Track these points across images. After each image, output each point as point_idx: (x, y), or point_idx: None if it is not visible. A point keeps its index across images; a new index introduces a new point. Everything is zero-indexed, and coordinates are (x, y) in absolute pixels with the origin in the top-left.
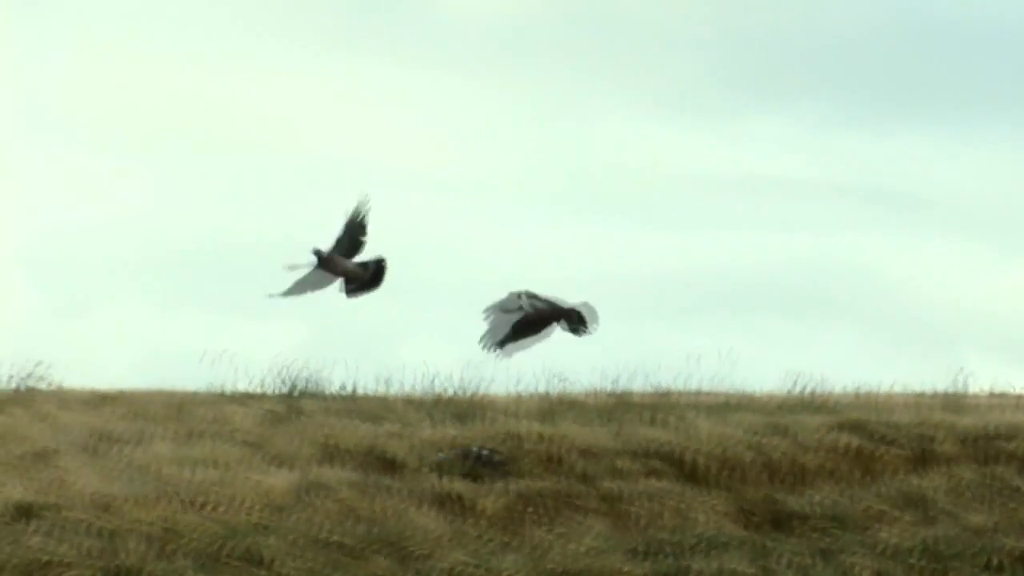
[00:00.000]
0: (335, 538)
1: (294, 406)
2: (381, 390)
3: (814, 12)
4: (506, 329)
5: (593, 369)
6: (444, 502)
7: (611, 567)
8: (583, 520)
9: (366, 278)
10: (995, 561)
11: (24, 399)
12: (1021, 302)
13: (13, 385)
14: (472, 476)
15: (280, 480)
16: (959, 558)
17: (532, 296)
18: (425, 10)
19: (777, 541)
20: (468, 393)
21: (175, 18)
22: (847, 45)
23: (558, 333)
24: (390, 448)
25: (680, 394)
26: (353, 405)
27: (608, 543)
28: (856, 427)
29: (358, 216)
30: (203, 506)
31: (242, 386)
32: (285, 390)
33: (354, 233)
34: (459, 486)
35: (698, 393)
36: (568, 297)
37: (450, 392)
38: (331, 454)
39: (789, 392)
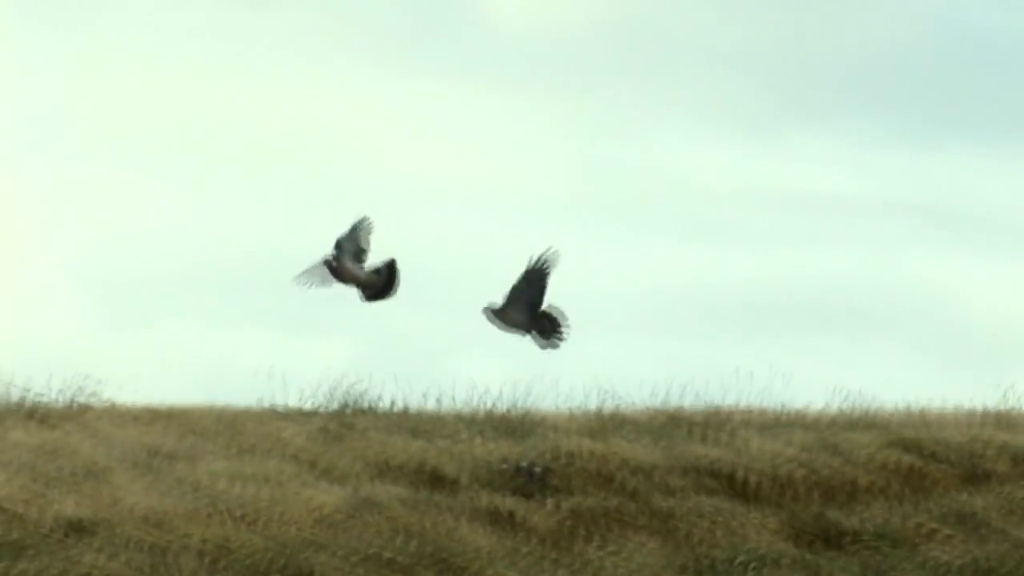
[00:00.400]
0: (386, 554)
1: (345, 422)
2: (431, 406)
3: (862, 28)
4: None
5: (643, 385)
6: (495, 519)
7: None
8: (633, 537)
9: (380, 284)
10: None
11: (76, 415)
12: None
13: (66, 401)
14: (523, 493)
15: (331, 496)
16: None
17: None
18: (468, 25)
19: (827, 559)
20: (518, 409)
21: (228, 37)
22: (896, 61)
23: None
24: (441, 464)
25: (731, 411)
26: (403, 421)
27: (659, 560)
28: (907, 444)
29: (356, 230)
30: (254, 522)
31: (293, 402)
32: (336, 406)
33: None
34: (510, 503)
35: (749, 410)
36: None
37: (500, 408)
38: (381, 470)
39: (839, 409)
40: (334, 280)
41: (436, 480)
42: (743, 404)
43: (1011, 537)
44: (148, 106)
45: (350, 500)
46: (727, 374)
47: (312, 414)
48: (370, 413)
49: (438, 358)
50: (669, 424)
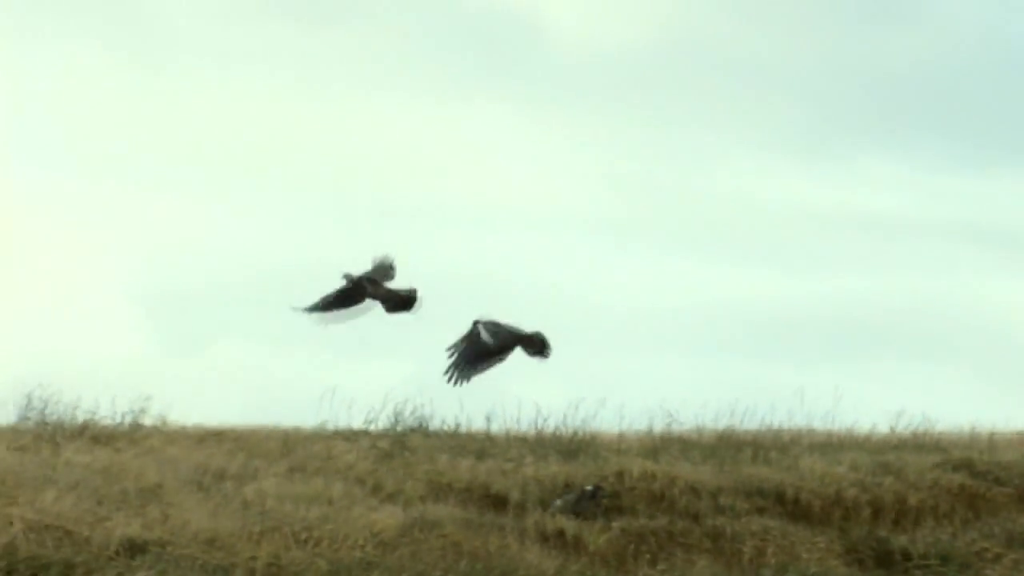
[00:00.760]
0: (441, 574)
1: (401, 442)
2: (486, 426)
3: (924, 54)
4: (469, 360)
5: (699, 406)
6: (550, 539)
7: None
8: (689, 557)
9: (397, 300)
10: None
11: (134, 435)
12: None
13: (127, 422)
14: (578, 513)
15: (387, 516)
16: None
17: (494, 325)
18: (535, 49)
19: None
20: (573, 429)
21: (291, 63)
22: (959, 85)
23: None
24: (496, 484)
25: (787, 432)
26: (459, 441)
27: None
28: (963, 466)
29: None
30: (310, 542)
31: (350, 423)
32: (392, 426)
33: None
34: (565, 523)
35: (805, 431)
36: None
37: (555, 428)
38: (437, 491)
39: (895, 430)
40: (349, 303)
41: (492, 500)
42: (799, 425)
43: None
44: (210, 129)
45: (406, 520)
46: (783, 395)
47: (369, 434)
48: (426, 433)
49: (493, 378)
50: (724, 445)
